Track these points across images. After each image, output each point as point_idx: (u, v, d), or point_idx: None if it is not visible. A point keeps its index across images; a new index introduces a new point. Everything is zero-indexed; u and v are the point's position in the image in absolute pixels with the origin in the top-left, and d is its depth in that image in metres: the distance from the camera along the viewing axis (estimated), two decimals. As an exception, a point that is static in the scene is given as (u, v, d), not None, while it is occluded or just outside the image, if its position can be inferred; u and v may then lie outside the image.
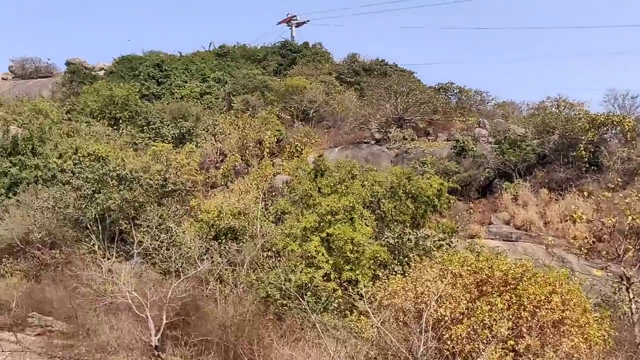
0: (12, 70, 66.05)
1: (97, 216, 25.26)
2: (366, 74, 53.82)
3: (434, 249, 20.18)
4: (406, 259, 19.85)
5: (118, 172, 26.59)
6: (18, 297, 20.41)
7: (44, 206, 26.26)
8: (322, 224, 20.62)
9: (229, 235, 24.59)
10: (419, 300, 12.51)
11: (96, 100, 42.40)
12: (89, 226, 25.32)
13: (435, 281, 12.56)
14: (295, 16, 72.06)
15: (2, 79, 65.61)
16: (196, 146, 35.20)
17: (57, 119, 40.78)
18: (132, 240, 24.38)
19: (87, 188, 26.03)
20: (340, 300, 18.54)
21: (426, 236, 21.60)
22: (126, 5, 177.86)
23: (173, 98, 45.14)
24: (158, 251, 23.62)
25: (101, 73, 57.45)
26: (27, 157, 32.21)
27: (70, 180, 27.18)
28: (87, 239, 25.13)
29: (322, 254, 19.81)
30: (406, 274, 14.91)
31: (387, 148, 37.21)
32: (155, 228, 24.67)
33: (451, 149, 34.85)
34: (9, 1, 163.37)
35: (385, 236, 22.09)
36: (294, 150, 35.85)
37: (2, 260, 24.83)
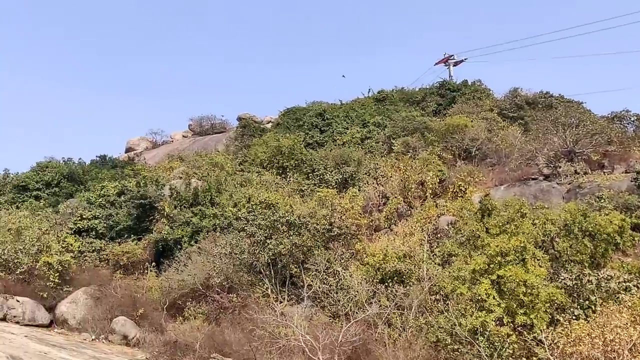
0: (191, 129, 72.66)
1: (269, 261, 26.45)
2: (530, 107, 51.52)
3: (620, 291, 18.42)
4: (587, 302, 18.35)
5: (287, 218, 27.75)
6: (201, 339, 21.93)
7: (222, 252, 28.10)
8: (491, 265, 19.78)
9: (395, 278, 24.46)
10: (609, 348, 11.43)
11: (265, 151, 44.96)
12: (262, 270, 26.58)
13: (627, 328, 11.41)
14: (452, 56, 71.72)
15: (183, 136, 72.36)
16: (359, 190, 35.73)
17: (231, 170, 43.93)
18: (301, 283, 25.23)
19: (260, 234, 27.44)
20: (515, 346, 17.49)
21: (609, 277, 19.79)
22: (285, 61, 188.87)
23: (335, 145, 46.45)
24: (327, 294, 24.13)
25: (269, 125, 61.11)
26: (206, 207, 34.93)
27: (245, 228, 28.80)
28: (260, 283, 26.41)
29: (493, 297, 18.93)
30: (589, 319, 13.73)
31: (557, 184, 34.97)
32: (323, 272, 25.29)
33: (631, 181, 31.82)
34: (191, 69, 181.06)
35: (562, 277, 20.62)
36: (458, 190, 35.02)
37: (187, 304, 26.87)
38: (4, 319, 27.25)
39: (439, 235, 29.01)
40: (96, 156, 57.51)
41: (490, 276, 19.55)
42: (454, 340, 17.75)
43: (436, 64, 73.17)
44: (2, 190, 45.91)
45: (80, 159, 54.12)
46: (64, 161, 51.35)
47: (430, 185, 35.01)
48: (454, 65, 71.44)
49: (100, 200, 38.66)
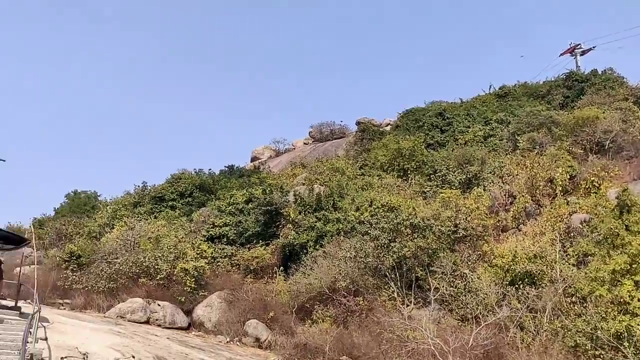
0: (311, 135, 74.27)
1: (394, 264, 26.42)
2: (671, 93, 47.61)
3: None
4: None
5: (411, 221, 27.58)
6: (330, 342, 22.35)
7: (347, 256, 28.46)
8: (634, 265, 18.51)
9: (526, 280, 23.56)
10: None
11: (385, 154, 44.96)
12: (387, 274, 26.60)
13: None
14: (579, 44, 67.92)
15: (304, 143, 74.12)
16: (484, 190, 34.70)
17: (352, 174, 44.34)
18: (428, 286, 24.98)
19: (384, 237, 27.49)
20: (666, 352, 16.23)
21: None
22: (403, 63, 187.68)
23: (457, 144, 45.44)
24: (454, 297, 23.71)
25: (388, 128, 60.92)
26: (329, 211, 35.53)
27: (368, 231, 28.99)
28: (386, 286, 26.45)
29: (638, 299, 17.69)
30: None
31: None
32: (450, 274, 24.90)
33: None
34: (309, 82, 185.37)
35: None
36: (590, 186, 32.98)
37: (315, 307, 27.47)
38: (147, 322, 29.36)
39: (571, 234, 27.53)
40: (224, 166, 60.09)
41: (633, 277, 18.31)
42: (595, 345, 16.78)
43: (561, 54, 69.66)
44: (142, 202, 49.39)
45: (210, 169, 56.91)
46: (195, 172, 54.24)
47: (560, 182, 33.29)
48: (581, 55, 67.57)
49: (230, 208, 40.47)
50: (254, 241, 36.28)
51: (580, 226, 27.56)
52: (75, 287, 33.52)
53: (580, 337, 17.49)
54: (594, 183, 33.00)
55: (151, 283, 32.26)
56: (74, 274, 34.69)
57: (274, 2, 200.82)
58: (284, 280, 31.94)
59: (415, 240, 26.59)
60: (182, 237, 36.75)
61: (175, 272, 32.04)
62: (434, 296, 24.02)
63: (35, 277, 25.63)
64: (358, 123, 65.04)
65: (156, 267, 32.71)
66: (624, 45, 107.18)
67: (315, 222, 34.54)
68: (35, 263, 33.36)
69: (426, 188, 38.47)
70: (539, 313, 21.17)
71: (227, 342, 27.83)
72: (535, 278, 23.56)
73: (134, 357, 18.37)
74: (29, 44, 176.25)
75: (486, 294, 22.58)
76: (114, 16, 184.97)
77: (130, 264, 33.27)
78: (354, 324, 24.88)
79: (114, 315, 29.28)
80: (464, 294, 23.50)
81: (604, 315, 17.68)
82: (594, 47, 68.05)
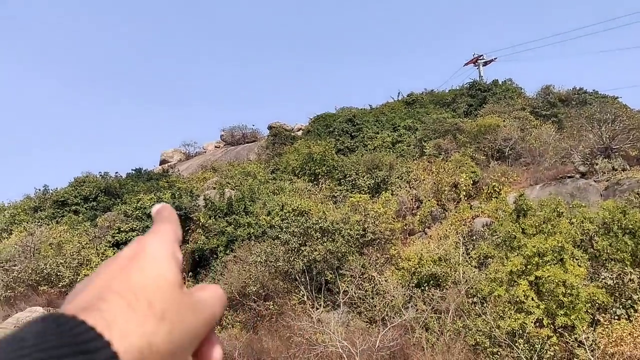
0: (223, 139, 73.36)
1: (304, 268, 26.55)
2: (563, 105, 50.83)
3: (663, 289, 18.02)
4: (629, 301, 17.97)
5: (320, 225, 27.83)
6: (240, 347, 22.15)
7: (257, 261, 28.31)
8: (529, 266, 19.57)
9: (431, 282, 24.35)
10: (651, 347, 11.20)
11: (297, 159, 45.20)
12: (297, 278, 26.70)
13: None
14: (481, 55, 71.09)
15: (215, 147, 73.09)
16: (392, 194, 35.60)
17: (264, 179, 44.26)
18: (337, 290, 25.29)
19: (294, 242, 27.58)
20: (557, 347, 17.23)
21: (652, 275, 19.39)
22: (311, 67, 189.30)
23: (366, 150, 46.40)
24: (363, 300, 24.13)
25: (299, 133, 61.31)
26: (240, 216, 35.24)
27: (279, 235, 29.00)
28: (296, 290, 26.55)
29: (532, 299, 18.71)
30: (632, 319, 13.46)
31: (595, 181, 34.29)
32: (359, 277, 25.32)
33: (673, 176, 31.14)
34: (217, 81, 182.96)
35: (602, 277, 20.23)
36: (492, 191, 34.64)
37: (224, 313, 27.10)
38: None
39: (474, 237, 28.74)
40: (132, 169, 58.40)
41: (528, 277, 19.35)
42: (493, 343, 17.60)
43: (465, 64, 72.64)
44: (43, 206, 47.05)
45: (116, 172, 55.00)
46: (100, 175, 52.29)
47: (464, 187, 34.73)
48: (484, 65, 70.79)
49: (137, 212, 39.32)
50: (162, 247, 35.29)
51: (482, 229, 28.83)
52: (-32, 297, 31.45)
53: (480, 335, 18.25)
54: (495, 188, 34.65)
55: (52, 291, 30.79)
56: (-34, 282, 32.56)
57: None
58: (193, 285, 31.30)
59: (325, 244, 26.86)
60: (86, 243, 35.33)
61: (78, 279, 30.70)
62: (343, 299, 24.35)
63: None
64: (270, 127, 64.99)
65: (58, 273, 31.27)
66: (519, 59, 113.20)
67: (226, 226, 34.16)
68: None
69: (336, 192, 38.99)
70: (443, 314, 21.90)
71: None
72: (440, 280, 24.38)
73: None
74: None
75: (393, 297, 23.13)
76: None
77: (30, 271, 31.62)
78: (264, 329, 24.80)
79: (12, 325, 27.64)
80: (372, 296, 23.96)
81: (502, 315, 18.58)
82: (495, 59, 71.49)
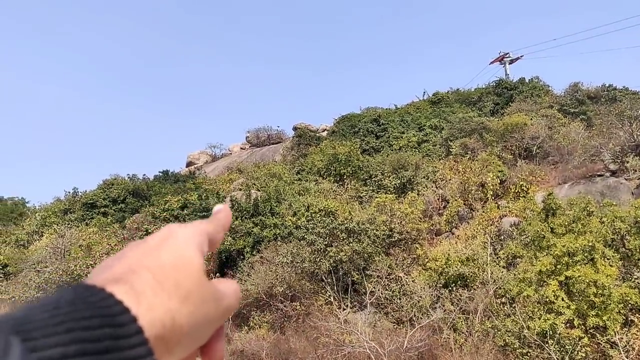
0: (248, 140, 73.74)
1: (330, 268, 26.57)
2: (592, 102, 50.00)
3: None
4: (664, 301, 17.63)
5: (346, 226, 27.83)
6: (267, 348, 22.26)
7: (284, 261, 28.41)
8: (558, 266, 19.30)
9: (459, 282, 24.17)
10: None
11: (322, 160, 45.21)
12: (323, 278, 26.73)
13: None
14: (507, 53, 70.35)
15: (241, 148, 73.51)
16: (418, 194, 35.40)
17: (289, 180, 44.37)
18: (364, 290, 25.27)
19: (320, 242, 27.61)
20: (588, 349, 16.97)
21: (686, 274, 19.00)
22: (336, 69, 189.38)
23: (392, 150, 46.19)
24: (390, 300, 24.08)
25: (324, 134, 61.34)
26: (266, 217, 35.38)
27: (305, 236, 29.06)
28: (322, 291, 26.58)
29: (562, 299, 18.45)
30: (666, 319, 13.20)
31: (626, 179, 33.66)
32: (385, 278, 25.26)
33: None
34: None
35: (635, 277, 19.87)
36: (519, 190, 34.26)
37: (252, 313, 27.31)
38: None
39: (502, 237, 28.47)
40: (159, 171, 59.04)
41: (557, 277, 19.08)
42: (522, 344, 17.39)
43: (491, 62, 71.96)
44: (72, 208, 47.85)
45: (144, 175, 55.71)
46: (128, 178, 52.96)
47: (491, 187, 34.40)
48: (510, 63, 70.03)
49: (164, 214, 39.71)
50: (190, 248, 35.60)
51: (510, 229, 28.53)
52: (1, 297, 32.10)
53: (509, 336, 18.07)
54: (522, 187, 34.27)
55: (82, 292, 31.27)
56: (0, 283, 33.27)
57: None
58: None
59: (351, 244, 26.84)
60: (115, 245, 35.78)
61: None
62: (370, 300, 24.31)
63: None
64: (295, 128, 65.16)
65: (88, 275, 31.68)
66: (547, 56, 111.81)
67: (253, 227, 34.31)
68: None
69: (362, 193, 38.89)
70: (471, 314, 21.74)
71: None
72: (468, 280, 24.19)
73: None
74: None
75: (420, 297, 23.02)
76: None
77: (61, 273, 32.11)
78: (290, 329, 24.87)
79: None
80: (398, 297, 23.88)
81: (531, 315, 18.37)
82: (522, 56, 70.68)
